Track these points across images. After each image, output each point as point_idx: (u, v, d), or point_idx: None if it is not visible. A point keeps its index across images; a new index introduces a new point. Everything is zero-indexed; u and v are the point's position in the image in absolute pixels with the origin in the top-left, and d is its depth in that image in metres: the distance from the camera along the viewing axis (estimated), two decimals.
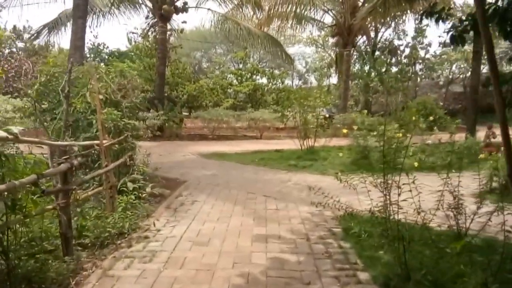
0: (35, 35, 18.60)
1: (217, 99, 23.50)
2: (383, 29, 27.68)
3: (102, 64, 16.64)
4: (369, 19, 20.70)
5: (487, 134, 11.15)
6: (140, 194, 5.57)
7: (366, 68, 25.83)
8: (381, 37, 27.95)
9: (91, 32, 25.36)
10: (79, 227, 4.11)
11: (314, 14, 20.87)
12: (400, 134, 6.39)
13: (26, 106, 6.97)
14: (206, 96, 23.09)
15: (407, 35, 27.27)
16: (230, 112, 19.92)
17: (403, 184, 3.10)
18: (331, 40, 27.06)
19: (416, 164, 7.08)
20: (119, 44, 62.04)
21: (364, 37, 27.05)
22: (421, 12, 3.17)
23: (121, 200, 5.07)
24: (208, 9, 19.04)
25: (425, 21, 24.29)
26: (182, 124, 19.90)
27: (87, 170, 5.45)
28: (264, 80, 26.52)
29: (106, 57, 22.96)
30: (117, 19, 18.36)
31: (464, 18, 2.84)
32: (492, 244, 3.59)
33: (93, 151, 5.24)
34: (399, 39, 27.23)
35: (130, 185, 5.42)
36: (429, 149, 9.18)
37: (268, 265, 3.62)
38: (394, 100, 23.47)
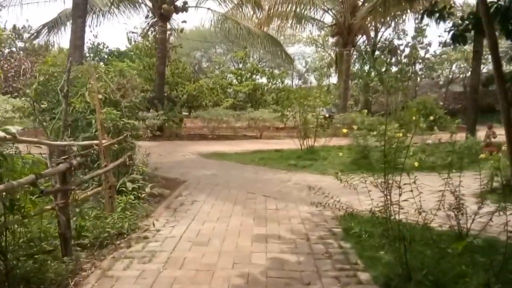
0: (35, 34, 18.59)
1: (217, 99, 23.48)
2: (383, 29, 27.71)
3: (101, 63, 16.61)
4: (369, 18, 20.70)
5: (488, 134, 11.12)
6: (139, 194, 5.55)
7: (366, 67, 25.81)
8: (381, 37, 27.98)
9: (91, 31, 25.36)
10: (78, 228, 4.09)
11: (314, 13, 20.88)
12: (400, 134, 6.38)
13: (25, 106, 6.94)
14: (206, 96, 23.07)
15: (407, 34, 27.30)
16: (230, 112, 19.91)
17: (404, 184, 3.08)
18: (331, 40, 27.05)
19: (416, 164, 7.06)
20: (119, 44, 62.01)
21: (364, 37, 27.06)
22: (422, 10, 3.14)
23: (120, 200, 5.05)
24: (208, 8, 19.05)
25: (425, 21, 24.30)
26: (182, 124, 19.89)
27: (86, 170, 5.43)
28: (264, 80, 26.54)
29: (106, 56, 22.92)
30: (117, 18, 18.39)
31: (465, 17, 2.82)
32: (493, 245, 3.58)
33: (92, 151, 5.22)
34: (399, 38, 27.26)
35: (129, 185, 5.40)
36: (429, 149, 9.16)
37: (268, 265, 3.60)
38: (394, 100, 23.45)
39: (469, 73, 23.89)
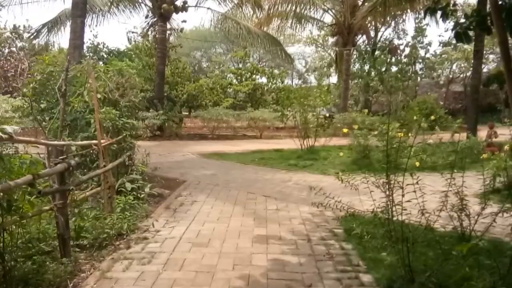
0: (35, 34, 18.52)
1: (216, 99, 23.45)
2: (383, 28, 27.67)
3: (100, 63, 16.57)
4: (369, 18, 20.68)
5: (489, 133, 11.08)
6: (138, 195, 5.51)
7: (366, 67, 25.80)
8: (381, 37, 27.94)
9: (90, 31, 25.35)
10: (77, 228, 4.05)
11: (314, 13, 20.82)
12: (401, 134, 6.34)
13: (24, 105, 6.90)
14: (205, 95, 23.04)
15: (407, 34, 27.29)
16: (230, 111, 19.87)
17: (407, 185, 3.04)
18: (331, 40, 27.01)
19: (417, 163, 7.02)
20: (119, 44, 61.94)
21: (364, 37, 27.02)
22: (425, 8, 3.09)
23: (119, 200, 5.01)
24: (208, 8, 19.02)
25: (425, 21, 24.28)
26: (182, 124, 19.88)
27: (85, 170, 5.39)
28: (264, 80, 26.51)
29: (105, 56, 22.88)
30: (117, 18, 18.35)
31: (469, 14, 2.77)
32: (497, 246, 3.54)
33: (91, 151, 5.18)
34: (399, 38, 27.21)
35: (129, 186, 5.36)
36: (430, 149, 9.12)
37: (269, 266, 3.56)
38: (395, 100, 23.44)
39: (469, 72, 23.91)
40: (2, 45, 20.72)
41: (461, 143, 9.18)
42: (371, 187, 3.36)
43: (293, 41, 31.81)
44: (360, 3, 21.09)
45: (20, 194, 3.07)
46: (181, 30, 20.86)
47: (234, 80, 26.26)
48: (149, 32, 20.35)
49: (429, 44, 26.89)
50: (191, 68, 30.72)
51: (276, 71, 27.90)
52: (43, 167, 3.43)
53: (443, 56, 27.37)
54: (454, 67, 28.73)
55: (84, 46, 13.30)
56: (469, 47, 21.74)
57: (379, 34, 27.82)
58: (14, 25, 23.87)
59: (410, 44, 26.41)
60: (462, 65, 27.76)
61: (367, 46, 26.81)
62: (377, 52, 25.52)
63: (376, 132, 8.86)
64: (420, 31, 25.70)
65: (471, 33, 2.98)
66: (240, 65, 28.23)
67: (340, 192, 4.41)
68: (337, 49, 24.08)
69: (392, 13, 20.10)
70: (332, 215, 5.10)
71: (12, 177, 2.85)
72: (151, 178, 6.65)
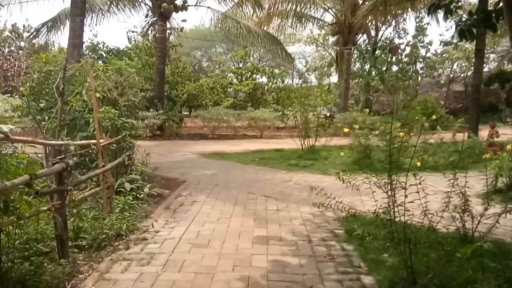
0: (34, 33, 18.50)
1: (217, 98, 23.42)
2: (383, 28, 27.58)
3: (100, 62, 16.54)
4: (369, 17, 20.63)
5: (490, 133, 11.03)
6: (138, 195, 5.47)
7: (367, 66, 25.73)
8: (381, 36, 27.86)
9: (90, 31, 25.30)
10: (75, 229, 4.02)
11: (314, 12, 20.79)
12: (403, 134, 6.28)
13: (23, 105, 6.87)
14: (206, 95, 23.01)
15: (407, 33, 27.19)
16: (230, 111, 19.84)
17: (410, 185, 3.00)
18: (331, 39, 26.96)
19: (418, 163, 6.96)
20: (119, 44, 61.94)
21: (365, 36, 26.95)
22: (429, 4, 3.04)
23: (119, 200, 4.98)
24: (208, 7, 19.00)
25: (425, 20, 24.20)
26: (182, 123, 19.85)
27: (84, 170, 5.35)
28: (264, 79, 26.47)
29: (104, 54, 22.84)
30: (117, 17, 18.33)
31: (473, 11, 2.72)
32: (500, 247, 3.49)
33: (90, 151, 5.14)
34: (399, 37, 27.13)
35: (128, 186, 5.32)
36: (432, 149, 9.08)
37: (269, 268, 3.53)
38: (395, 99, 23.39)
39: (470, 72, 23.84)
40: (2, 44, 20.69)
41: (467, 142, 9.13)
42: (372, 187, 3.32)
43: (294, 41, 31.81)
44: (360, 2, 21.05)
45: (17, 195, 3.03)
46: (181, 29, 20.84)
47: (235, 80, 26.23)
48: (149, 32, 20.34)
49: (430, 43, 26.82)
50: (191, 67, 30.70)
51: (276, 71, 27.87)
52: (41, 167, 3.39)
53: (444, 55, 27.30)
54: (455, 66, 28.70)
55: (84, 45, 13.25)
56: (470, 46, 21.67)
57: (380, 33, 27.77)
58: (13, 24, 23.86)
59: (410, 43, 26.35)
60: (463, 64, 27.69)
61: (368, 45, 26.74)
62: (377, 51, 25.46)
63: (377, 132, 8.82)
64: (420, 30, 25.63)
65: (474, 30, 2.94)
66: (241, 65, 28.18)
67: (341, 192, 4.37)
68: (337, 48, 24.04)
69: (393, 12, 20.07)
70: (333, 216, 5.04)
71: (8, 177, 2.81)
72: (151, 178, 6.61)
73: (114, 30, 46.70)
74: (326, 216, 5.13)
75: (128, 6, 18.35)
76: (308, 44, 34.36)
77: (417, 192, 2.98)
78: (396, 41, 26.83)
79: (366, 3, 20.03)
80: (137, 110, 6.91)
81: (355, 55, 25.82)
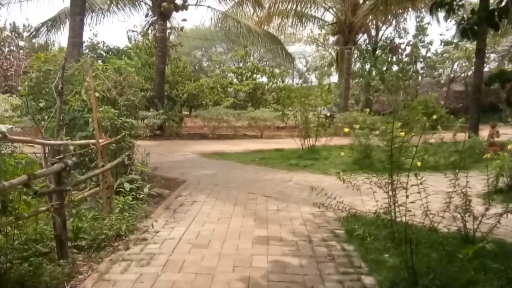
0: (34, 33, 18.48)
1: (217, 98, 23.41)
2: (384, 27, 27.53)
3: (99, 61, 16.52)
4: (370, 16, 20.61)
5: (491, 133, 11.01)
6: (138, 195, 5.45)
7: (367, 66, 25.70)
8: (382, 35, 27.80)
9: (90, 30, 25.27)
10: (75, 229, 4.00)
11: (314, 12, 20.78)
12: (403, 134, 6.26)
13: (22, 104, 6.84)
14: (206, 95, 23.00)
15: (408, 33, 27.12)
16: (230, 111, 19.84)
17: (412, 185, 2.98)
18: (332, 38, 26.95)
19: (419, 163, 6.94)
20: (119, 43, 61.96)
21: (365, 35, 26.92)
22: (432, 2, 3.01)
23: (118, 201, 4.96)
24: (208, 6, 18.97)
25: (426, 19, 24.16)
26: (182, 123, 19.83)
27: (84, 170, 5.33)
28: (264, 79, 26.46)
29: (104, 54, 22.84)
30: (117, 16, 18.31)
31: (475, 10, 2.70)
32: (502, 247, 3.47)
33: (89, 151, 5.12)
34: (400, 37, 27.07)
35: (127, 186, 5.30)
36: (432, 148, 9.06)
37: (270, 268, 3.51)
38: (396, 99, 23.37)
39: (471, 72, 23.81)
40: (2, 44, 20.67)
41: (468, 142, 9.11)
42: (373, 187, 3.30)
43: (294, 40, 31.76)
44: (361, 1, 21.03)
45: (16, 195, 3.01)
46: (181, 29, 20.82)
47: (235, 80, 26.22)
48: (149, 31, 20.33)
49: (430, 43, 26.75)
50: (191, 67, 30.69)
51: (276, 70, 27.86)
52: (39, 167, 3.37)
53: (444, 55, 27.26)
54: (455, 66, 28.65)
55: (83, 45, 13.24)
56: (470, 46, 21.65)
57: (380, 33, 27.70)
58: (12, 23, 23.82)
59: (411, 43, 26.31)
60: (464, 64, 27.66)
61: (368, 45, 26.70)
62: (378, 51, 25.43)
63: (377, 132, 8.80)
64: (421, 30, 25.58)
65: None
66: (241, 64, 28.17)
67: (342, 192, 4.35)
68: (338, 48, 24.03)
69: (394, 11, 20.04)
70: (334, 216, 5.03)
71: (7, 177, 2.79)
72: (150, 178, 6.60)
73: (114, 30, 46.68)
74: (326, 216, 5.11)
75: (128, 5, 18.33)
76: (309, 44, 34.33)
77: (418, 192, 2.96)
78: (397, 40, 26.79)
79: (367, 2, 20.00)
80: (137, 110, 6.89)
81: (356, 55, 25.79)
